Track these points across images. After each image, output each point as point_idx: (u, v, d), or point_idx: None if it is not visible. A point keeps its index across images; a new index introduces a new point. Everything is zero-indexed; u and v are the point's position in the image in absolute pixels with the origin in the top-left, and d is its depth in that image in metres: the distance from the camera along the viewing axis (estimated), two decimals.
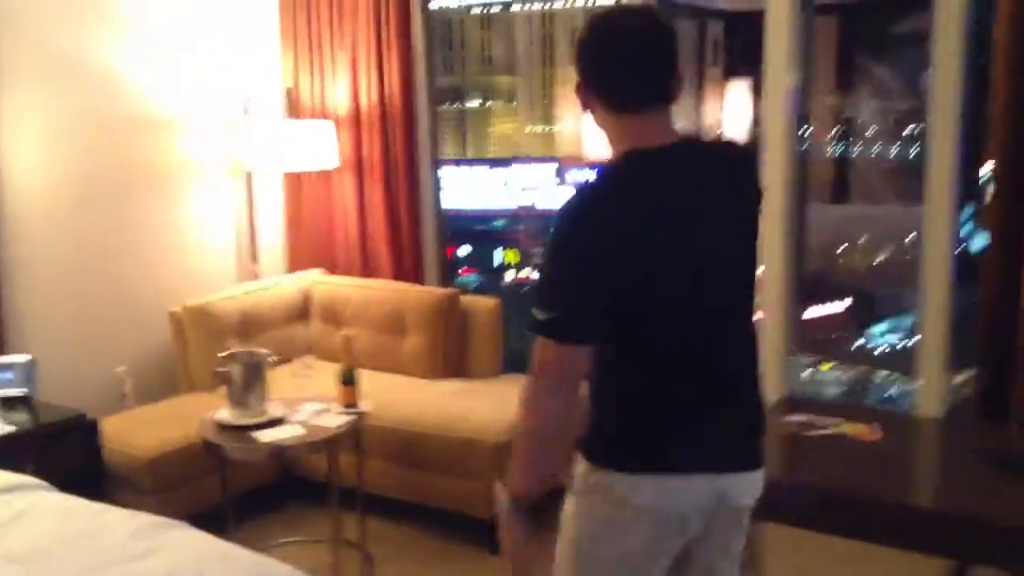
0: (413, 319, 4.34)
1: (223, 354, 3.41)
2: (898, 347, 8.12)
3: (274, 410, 3.42)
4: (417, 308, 4.33)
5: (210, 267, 4.73)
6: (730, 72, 9.69)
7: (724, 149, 1.96)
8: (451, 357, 4.32)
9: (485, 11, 11.45)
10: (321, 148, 4.60)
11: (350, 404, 3.49)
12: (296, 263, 4.97)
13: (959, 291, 3.56)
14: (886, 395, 7.74)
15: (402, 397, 4.03)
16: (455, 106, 11.90)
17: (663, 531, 1.79)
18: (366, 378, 4.17)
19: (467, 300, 4.40)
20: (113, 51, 4.25)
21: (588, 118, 1.85)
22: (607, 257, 1.68)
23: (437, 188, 4.87)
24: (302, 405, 3.53)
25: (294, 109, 4.88)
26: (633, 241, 1.69)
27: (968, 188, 3.57)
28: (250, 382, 3.36)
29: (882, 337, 8.25)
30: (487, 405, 3.85)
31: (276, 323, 4.55)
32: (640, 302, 1.74)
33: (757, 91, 9.74)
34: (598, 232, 1.69)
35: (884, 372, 8.01)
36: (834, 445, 2.50)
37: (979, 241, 3.76)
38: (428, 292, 4.42)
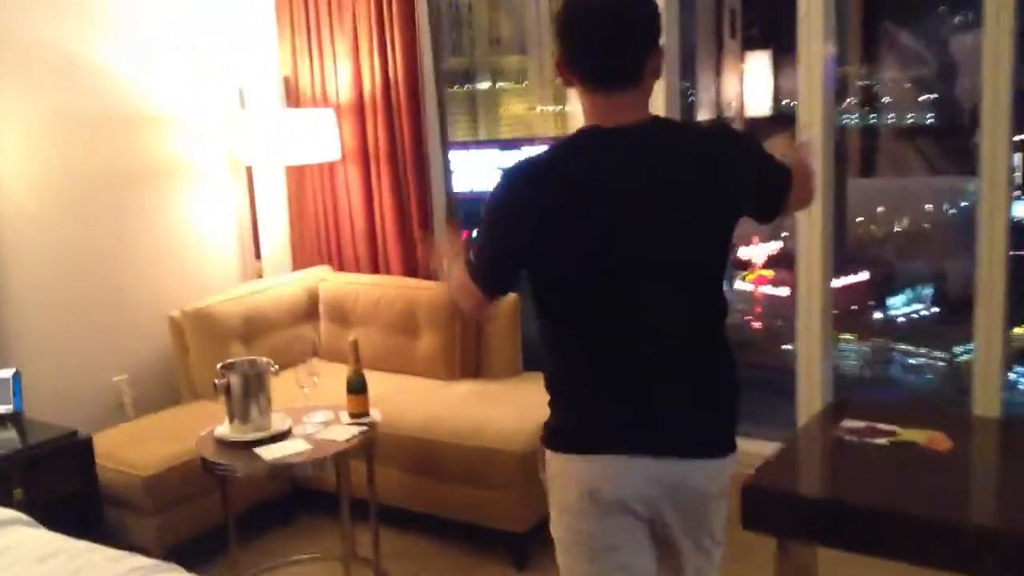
0: (426, 317, 4.08)
1: (221, 365, 3.16)
2: (919, 317, 8.10)
3: (278, 423, 3.18)
4: (430, 306, 4.07)
5: (211, 268, 4.48)
6: (749, 44, 9.36)
7: (701, 133, 1.93)
8: (467, 357, 4.06)
9: None
10: (323, 138, 4.34)
11: (360, 413, 3.25)
12: (302, 260, 4.72)
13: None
14: (909, 364, 7.96)
15: (416, 402, 3.78)
16: (465, 88, 11.48)
17: (607, 514, 1.81)
18: (378, 381, 3.94)
19: None
20: (98, 43, 3.99)
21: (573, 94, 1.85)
22: (523, 224, 1.77)
23: (448, 175, 4.60)
24: (309, 415, 3.29)
25: (293, 98, 4.62)
26: (551, 214, 1.73)
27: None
28: (251, 394, 3.12)
29: (902, 308, 8.21)
30: (507, 409, 3.59)
31: (281, 324, 4.30)
32: (560, 276, 1.80)
33: (778, 64, 9.49)
34: (521, 200, 1.78)
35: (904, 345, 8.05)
36: (903, 456, 2.19)
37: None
38: (441, 289, 4.15)
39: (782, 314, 8.10)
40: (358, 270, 4.55)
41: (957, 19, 9.08)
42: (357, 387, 3.24)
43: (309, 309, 4.40)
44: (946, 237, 8.50)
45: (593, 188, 1.74)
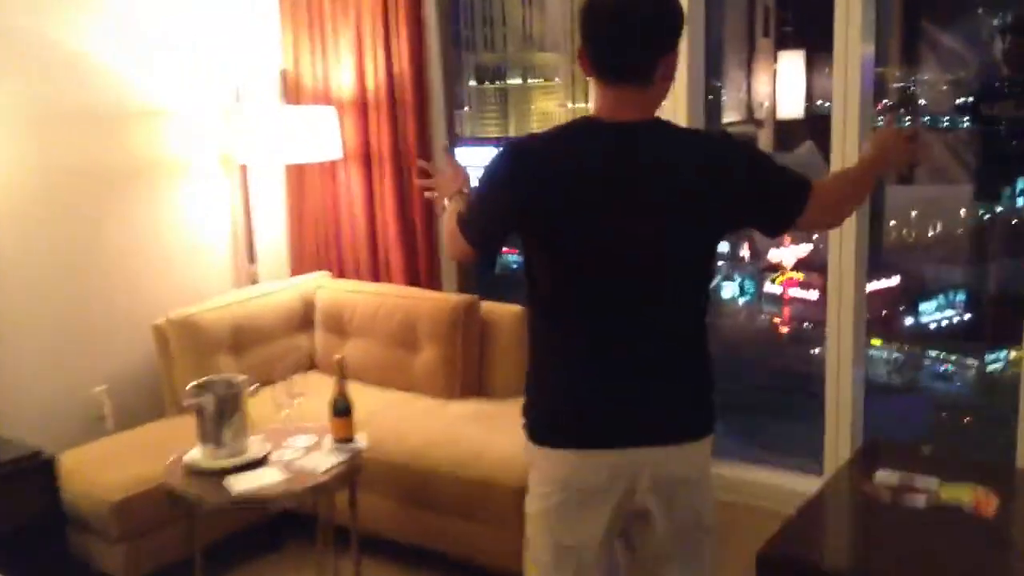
0: (426, 330, 3.80)
1: (192, 384, 2.90)
2: (950, 323, 8.09)
3: (255, 448, 2.93)
4: (430, 317, 3.80)
5: (202, 273, 4.22)
6: (783, 43, 9.02)
7: (699, 139, 1.94)
8: (469, 373, 3.78)
9: None
10: (323, 137, 4.08)
11: (344, 439, 2.98)
12: (300, 266, 4.46)
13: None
14: (939, 371, 7.95)
15: (410, 423, 3.51)
16: (495, 84, 11.89)
17: (579, 502, 1.86)
18: (372, 397, 3.71)
19: (488, 308, 3.85)
20: (85, 33, 3.74)
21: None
22: (509, 195, 1.84)
23: None
24: (291, 439, 3.03)
25: (292, 94, 4.35)
26: (535, 192, 1.79)
27: None
28: (226, 416, 2.86)
29: (933, 314, 8.21)
30: (508, 435, 3.26)
31: (274, 334, 4.04)
32: (538, 257, 1.87)
33: (811, 63, 9.17)
34: (511, 171, 1.84)
35: (934, 352, 8.02)
36: (944, 521, 1.88)
37: None
38: (443, 299, 3.88)
39: (810, 317, 8.19)
40: (359, 277, 4.28)
41: (996, 21, 8.84)
42: (342, 410, 2.97)
43: (304, 318, 4.14)
44: (980, 242, 8.48)
45: (575, 174, 1.79)
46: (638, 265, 1.81)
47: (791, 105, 9.24)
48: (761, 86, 9.31)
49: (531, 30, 12.34)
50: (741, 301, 9.02)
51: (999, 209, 8.51)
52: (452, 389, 3.75)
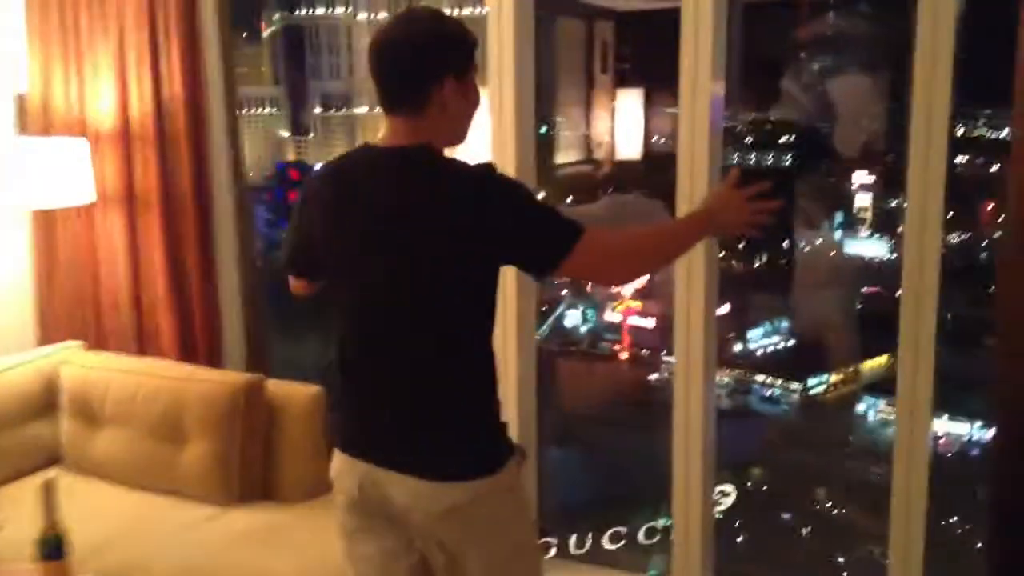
0: (195, 418, 3.04)
1: None
2: (776, 349, 8.74)
3: None
4: (201, 402, 3.03)
5: None
6: (622, 80, 8.68)
7: (454, 172, 1.83)
8: (250, 473, 3.02)
9: (372, 16, 11.58)
10: (71, 175, 3.28)
11: None
12: (49, 334, 3.61)
13: None
14: (767, 395, 8.58)
15: (163, 545, 2.74)
16: (342, 111, 12.13)
17: (359, 511, 1.95)
18: (124, 507, 2.98)
19: (277, 389, 3.12)
20: None
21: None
22: (298, 216, 2.00)
23: (243, 225, 3.59)
24: None
25: (35, 123, 3.52)
26: (308, 221, 1.96)
27: None
28: None
29: (759, 341, 8.76)
30: (298, 556, 2.61)
31: (7, 422, 3.19)
32: (320, 278, 2.02)
33: (650, 101, 8.92)
34: (301, 194, 2.00)
35: (761, 377, 8.61)
36: None
37: None
38: (218, 379, 3.12)
39: (648, 344, 8.79)
40: (122, 348, 3.48)
41: (816, 66, 9.13)
42: (51, 551, 2.18)
43: (46, 402, 3.29)
44: (803, 273, 9.12)
45: (334, 197, 1.90)
46: (376, 295, 1.87)
47: (630, 144, 8.93)
48: (600, 124, 8.95)
49: None
50: (583, 329, 9.57)
51: (819, 241, 9.23)
52: (228, 493, 2.99)
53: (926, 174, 2.52)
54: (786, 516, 8.21)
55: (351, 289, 1.90)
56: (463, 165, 1.83)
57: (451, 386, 1.88)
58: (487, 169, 1.81)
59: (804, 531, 8.06)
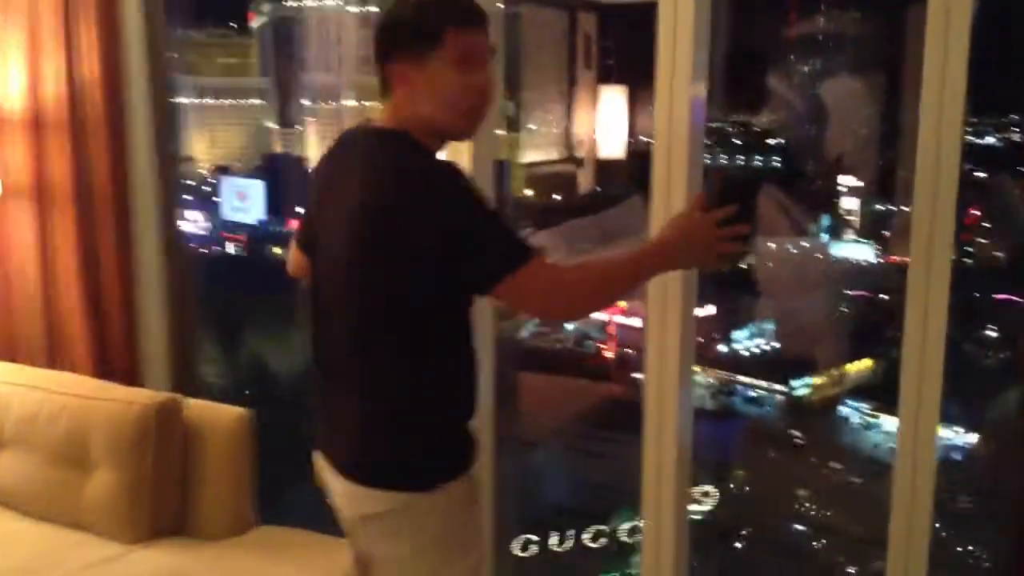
0: (102, 442, 2.66)
1: None
2: (761, 351, 8.60)
3: None
4: (109, 424, 2.66)
5: None
6: (606, 76, 8.33)
7: (397, 157, 1.72)
8: (164, 505, 2.66)
9: (363, 9, 11.18)
10: None
11: None
12: None
13: None
14: (751, 396, 8.47)
15: None
16: (329, 104, 11.79)
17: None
18: (19, 541, 2.62)
19: (198, 410, 2.76)
20: None
21: None
22: (308, 200, 1.95)
23: (170, 224, 3.22)
24: None
25: None
26: (311, 197, 1.92)
27: None
28: None
29: (744, 342, 8.62)
30: None
31: None
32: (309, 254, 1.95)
33: (635, 99, 8.61)
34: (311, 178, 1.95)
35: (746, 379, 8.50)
36: None
37: None
38: (129, 398, 2.73)
39: (634, 343, 8.52)
40: (30, 361, 3.11)
41: (806, 68, 9.00)
42: None
43: None
44: (790, 275, 8.98)
45: (322, 176, 1.89)
46: (329, 287, 1.83)
47: (613, 143, 8.60)
48: (582, 122, 8.61)
49: (368, 51, 11.86)
50: (569, 327, 9.22)
51: (805, 244, 9.06)
52: (138, 528, 2.62)
53: (936, 181, 2.17)
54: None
55: (317, 276, 1.88)
56: (423, 160, 1.71)
57: (393, 392, 1.79)
58: (447, 167, 1.70)
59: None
